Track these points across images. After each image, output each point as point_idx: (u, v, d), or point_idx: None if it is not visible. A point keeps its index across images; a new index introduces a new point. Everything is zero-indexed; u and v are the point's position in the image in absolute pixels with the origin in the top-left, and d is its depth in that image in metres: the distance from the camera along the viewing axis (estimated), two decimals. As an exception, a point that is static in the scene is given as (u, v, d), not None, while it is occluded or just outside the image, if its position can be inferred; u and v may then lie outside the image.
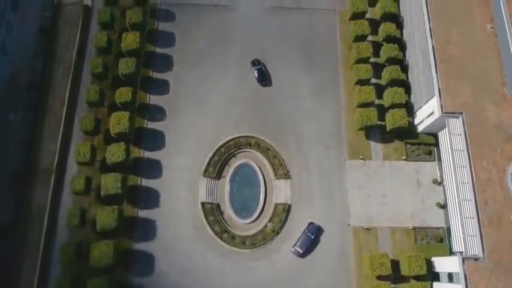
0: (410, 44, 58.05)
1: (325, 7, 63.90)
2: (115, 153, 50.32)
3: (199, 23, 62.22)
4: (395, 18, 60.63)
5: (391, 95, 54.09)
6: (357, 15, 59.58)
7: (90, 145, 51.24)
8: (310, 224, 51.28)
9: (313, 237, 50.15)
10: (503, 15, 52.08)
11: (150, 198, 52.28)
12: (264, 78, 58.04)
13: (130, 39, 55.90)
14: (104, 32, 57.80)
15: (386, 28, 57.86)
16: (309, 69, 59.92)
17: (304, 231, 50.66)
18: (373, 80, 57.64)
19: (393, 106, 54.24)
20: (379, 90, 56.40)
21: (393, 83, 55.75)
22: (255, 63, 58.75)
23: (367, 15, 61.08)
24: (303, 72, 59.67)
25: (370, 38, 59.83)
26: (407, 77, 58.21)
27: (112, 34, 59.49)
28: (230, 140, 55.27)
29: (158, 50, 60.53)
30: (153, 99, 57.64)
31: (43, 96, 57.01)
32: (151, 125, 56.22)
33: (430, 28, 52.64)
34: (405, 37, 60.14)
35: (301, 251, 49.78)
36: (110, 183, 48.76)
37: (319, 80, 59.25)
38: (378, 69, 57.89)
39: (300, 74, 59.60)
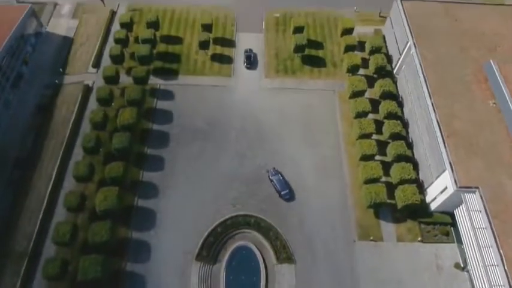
0: (413, 121, 57.09)
1: (323, 88, 64.65)
2: (98, 232, 45.14)
3: (199, 102, 62.09)
4: (395, 98, 60.77)
5: (399, 171, 51.08)
6: (357, 94, 59.73)
7: (71, 224, 46.22)
8: (267, 172, 54.00)
9: (280, 176, 53.35)
10: (505, 94, 51.89)
11: (135, 285, 45.44)
12: (250, 63, 66.25)
13: (127, 115, 54.80)
14: (101, 107, 57.03)
15: (387, 105, 57.48)
16: (310, 146, 57.89)
17: (271, 181, 53.26)
18: (378, 157, 55.27)
19: (402, 182, 50.85)
20: (385, 168, 53.51)
21: (399, 158, 53.22)
22: (247, 51, 67.51)
23: (366, 95, 61.36)
24: (304, 150, 57.50)
25: (370, 116, 59.14)
26: (413, 154, 55.94)
27: (109, 111, 58.69)
28: (227, 220, 50.57)
29: (155, 127, 59.20)
30: (146, 176, 54.28)
31: (29, 172, 53.67)
32: (142, 202, 51.90)
33: (432, 103, 52.01)
34: (406, 115, 59.58)
35: (286, 190, 52.37)
36: (89, 266, 42.66)
37: (321, 157, 56.79)
38: (381, 146, 55.79)
39: (300, 151, 57.37)
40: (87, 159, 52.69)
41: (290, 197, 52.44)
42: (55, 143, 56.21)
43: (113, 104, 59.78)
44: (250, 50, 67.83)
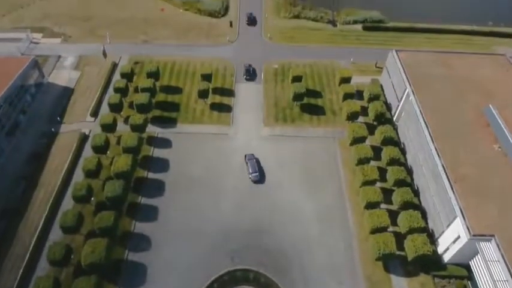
0: (417, 168, 55.16)
1: (323, 135, 63.58)
2: (82, 288, 41.13)
3: (196, 151, 60.61)
4: (396, 145, 59.38)
5: (407, 219, 48.10)
6: (357, 140, 58.45)
7: (52, 278, 42.23)
8: (245, 156, 58.46)
9: (255, 161, 57.50)
10: (509, 138, 50.72)
11: None
12: (249, 75, 73.84)
13: (122, 162, 52.88)
14: (96, 155, 55.31)
15: (390, 151, 55.92)
16: (312, 194, 55.39)
17: (246, 163, 57.56)
18: (383, 206, 52.49)
19: (411, 232, 47.67)
20: (391, 216, 50.48)
21: (406, 206, 50.49)
22: (246, 65, 74.95)
23: (366, 142, 60.04)
24: (306, 198, 54.92)
25: (372, 163, 57.27)
26: (420, 202, 53.29)
27: (104, 160, 57.03)
28: (224, 275, 46.71)
29: (151, 175, 57.08)
30: (139, 227, 51.07)
31: (14, 224, 50.44)
32: (132, 256, 48.18)
33: (436, 148, 50.50)
34: (409, 162, 57.80)
35: (256, 173, 56.24)
36: (69, 328, 38.23)
37: (324, 205, 54.04)
38: (385, 194, 53.16)
39: (302, 199, 54.76)
40: (76, 208, 49.90)
41: (259, 179, 56.08)
42: (45, 192, 53.69)
43: (108, 152, 58.24)
44: (250, 65, 74.95)
